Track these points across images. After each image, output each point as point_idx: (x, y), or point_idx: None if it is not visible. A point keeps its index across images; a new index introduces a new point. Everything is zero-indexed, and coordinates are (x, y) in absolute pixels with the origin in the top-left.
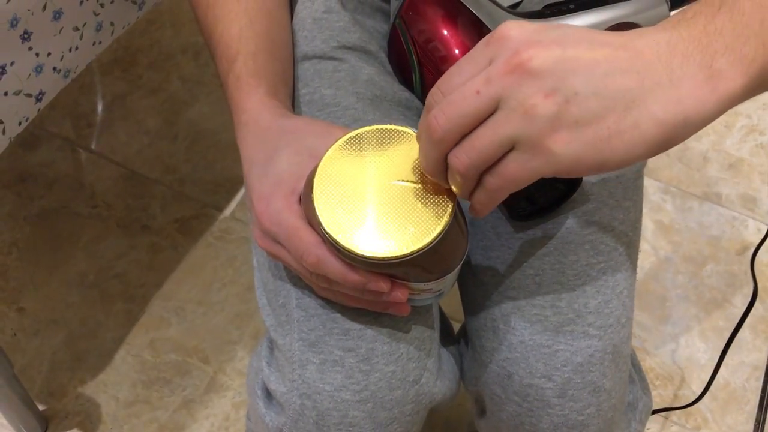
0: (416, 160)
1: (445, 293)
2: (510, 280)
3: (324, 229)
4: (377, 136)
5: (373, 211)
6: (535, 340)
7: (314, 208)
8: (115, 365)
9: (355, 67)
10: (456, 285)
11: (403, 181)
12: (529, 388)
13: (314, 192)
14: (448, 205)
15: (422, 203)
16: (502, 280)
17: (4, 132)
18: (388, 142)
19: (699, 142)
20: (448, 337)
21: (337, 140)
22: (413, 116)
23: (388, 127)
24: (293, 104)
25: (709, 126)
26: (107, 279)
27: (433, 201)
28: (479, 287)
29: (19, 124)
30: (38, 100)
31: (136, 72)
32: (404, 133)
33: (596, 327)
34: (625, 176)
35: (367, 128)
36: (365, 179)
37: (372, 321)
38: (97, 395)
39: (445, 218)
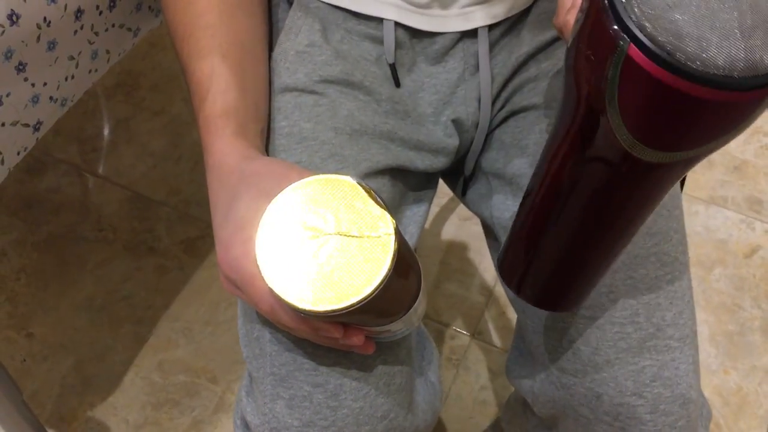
0: (357, 210)
1: (411, 329)
2: None
3: (267, 284)
4: (319, 186)
5: (315, 264)
6: (621, 359)
7: (258, 263)
8: (124, 388)
9: (335, 101)
10: (511, 303)
11: (343, 231)
12: (621, 407)
13: (257, 246)
14: (387, 255)
15: (362, 254)
16: None
17: (3, 162)
18: (331, 193)
19: None
20: (429, 364)
21: (281, 192)
22: (395, 148)
23: (332, 177)
24: (271, 135)
25: None
26: (115, 302)
27: (373, 251)
28: None
29: (18, 153)
30: (36, 129)
31: (140, 95)
32: (347, 183)
33: (676, 339)
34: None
35: (311, 178)
36: (307, 231)
37: (342, 357)
38: (107, 418)
39: (385, 268)
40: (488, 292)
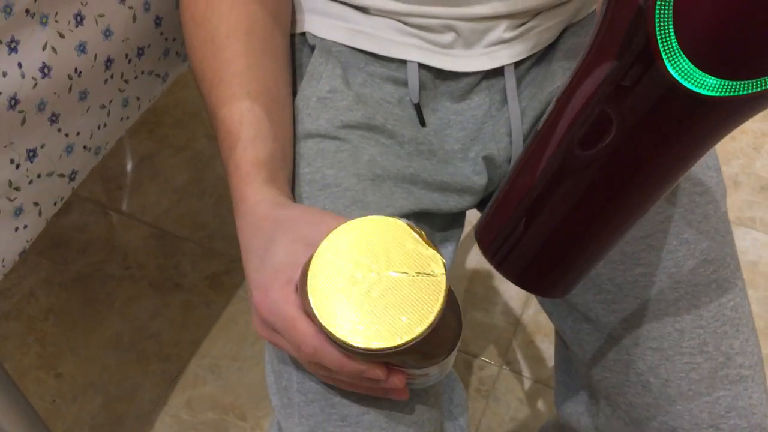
0: (408, 250)
1: (444, 375)
2: (647, 331)
3: (319, 322)
4: (369, 227)
5: (367, 302)
6: (694, 390)
7: (309, 301)
8: (153, 427)
9: (357, 147)
10: (560, 334)
11: (394, 271)
12: None
13: (308, 284)
14: (440, 294)
15: (414, 293)
16: (639, 331)
17: (40, 214)
18: (382, 233)
19: (728, 166)
20: (458, 407)
21: (330, 232)
22: (419, 191)
23: (381, 218)
24: (295, 182)
25: (737, 149)
26: (142, 340)
27: (425, 290)
28: (609, 342)
29: (54, 204)
30: (71, 179)
31: (162, 132)
32: (397, 224)
33: (746, 367)
34: (721, 209)
35: (359, 219)
36: (358, 270)
37: (370, 405)
38: None
39: (437, 307)
40: (515, 320)
